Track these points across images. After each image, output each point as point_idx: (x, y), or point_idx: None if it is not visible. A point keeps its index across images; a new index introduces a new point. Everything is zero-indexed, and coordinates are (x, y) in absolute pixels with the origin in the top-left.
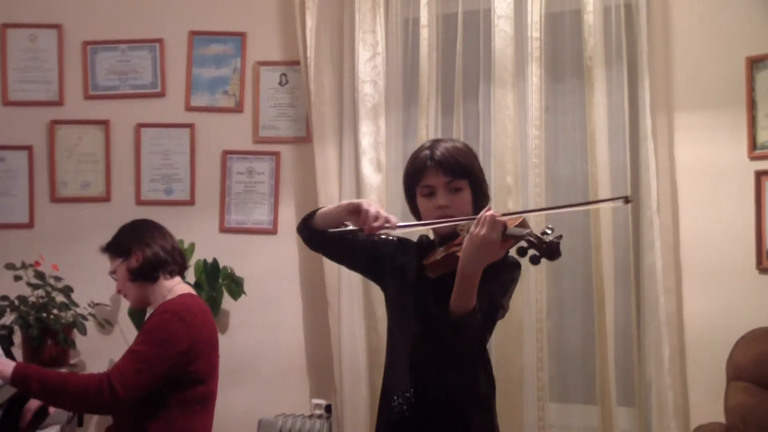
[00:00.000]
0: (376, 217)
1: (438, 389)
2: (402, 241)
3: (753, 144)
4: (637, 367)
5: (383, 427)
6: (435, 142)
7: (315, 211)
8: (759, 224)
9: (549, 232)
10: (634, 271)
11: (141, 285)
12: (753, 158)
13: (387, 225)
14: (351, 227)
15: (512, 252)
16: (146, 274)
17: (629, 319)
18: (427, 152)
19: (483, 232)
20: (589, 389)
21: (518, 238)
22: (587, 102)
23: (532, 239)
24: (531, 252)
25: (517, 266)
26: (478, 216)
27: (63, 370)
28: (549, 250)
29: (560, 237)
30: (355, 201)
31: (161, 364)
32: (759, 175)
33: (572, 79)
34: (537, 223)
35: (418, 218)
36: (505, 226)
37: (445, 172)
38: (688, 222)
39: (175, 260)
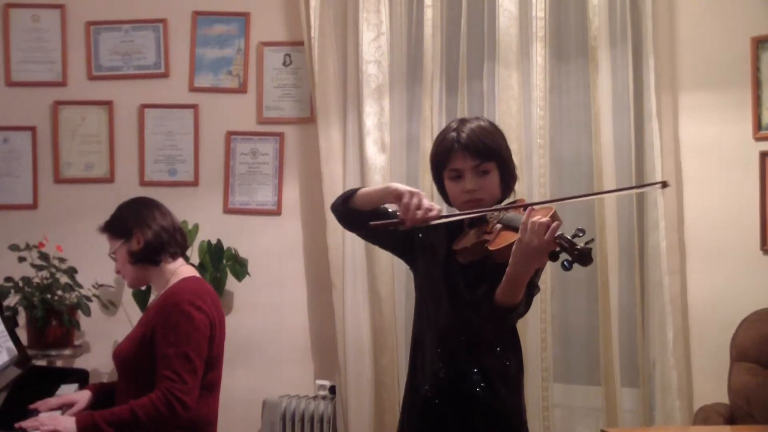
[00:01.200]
0: (418, 208)
1: (468, 369)
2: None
3: (758, 124)
4: (641, 347)
5: (411, 403)
6: (461, 123)
7: (355, 191)
8: (763, 205)
9: (580, 235)
10: (639, 251)
11: (143, 267)
12: (758, 139)
13: (429, 216)
14: (392, 220)
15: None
16: (148, 257)
17: (633, 299)
18: (454, 134)
19: (535, 242)
20: (592, 370)
21: (563, 246)
22: (592, 82)
23: (565, 244)
24: (563, 256)
25: None
26: (528, 220)
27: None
28: (581, 257)
29: (592, 241)
30: (400, 188)
31: (201, 357)
32: (764, 155)
33: (577, 59)
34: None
35: (447, 200)
36: (554, 233)
37: (473, 156)
38: (692, 202)
39: (177, 240)
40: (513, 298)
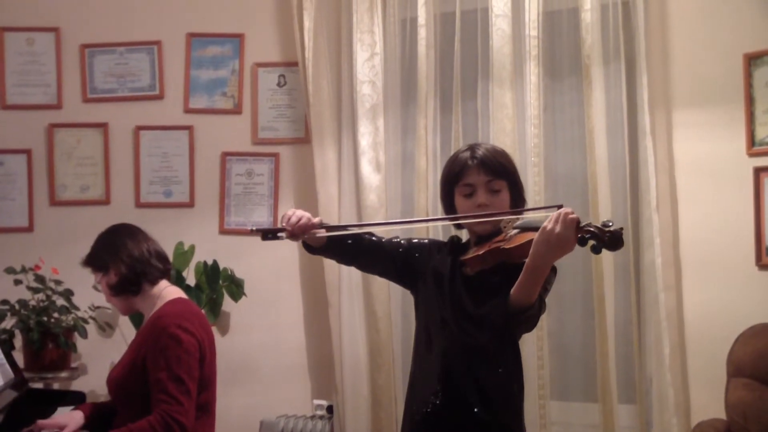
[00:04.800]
0: (298, 218)
1: (468, 389)
2: (435, 243)
3: (751, 140)
4: (638, 364)
5: (410, 421)
6: (474, 145)
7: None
8: (758, 220)
9: (610, 224)
10: (634, 268)
11: (125, 298)
12: (751, 155)
13: (310, 224)
14: (275, 227)
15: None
16: (127, 288)
17: (629, 316)
18: (468, 153)
19: (558, 230)
20: (589, 386)
21: (589, 232)
22: (585, 100)
23: (595, 231)
24: (591, 242)
25: (554, 271)
26: (554, 214)
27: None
28: (613, 240)
29: (621, 229)
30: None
31: (193, 379)
32: (758, 171)
33: (570, 77)
34: None
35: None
36: (578, 222)
37: (486, 171)
38: (687, 219)
39: (154, 266)
40: (529, 296)
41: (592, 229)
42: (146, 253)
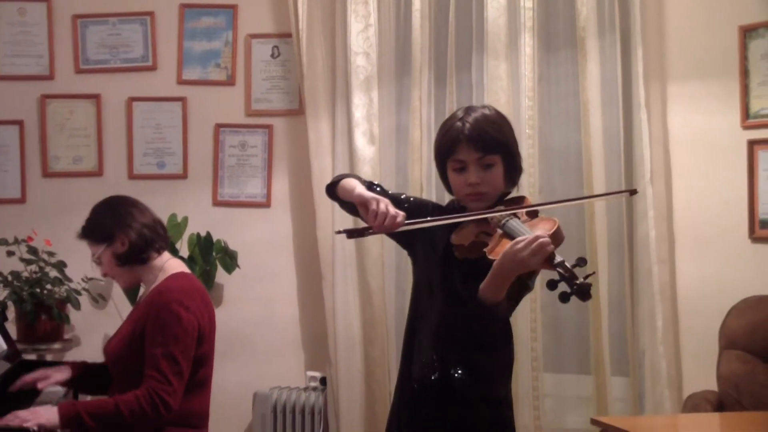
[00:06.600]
0: (385, 217)
1: (456, 362)
2: (436, 208)
3: (746, 113)
4: (631, 336)
5: (401, 390)
6: (467, 112)
7: (339, 180)
8: (752, 193)
9: (582, 265)
10: (628, 241)
11: (131, 268)
12: (746, 127)
13: (396, 222)
14: (361, 228)
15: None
16: (135, 257)
17: (623, 289)
18: (459, 124)
19: (525, 255)
20: (582, 359)
21: (563, 275)
22: (580, 72)
23: (565, 274)
24: (562, 286)
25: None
26: (532, 235)
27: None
28: (580, 291)
29: (593, 274)
30: (366, 195)
31: (188, 358)
32: (752, 144)
33: (565, 49)
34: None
35: (450, 190)
36: (550, 257)
37: (477, 148)
38: (681, 192)
39: (160, 235)
40: (495, 295)
41: (561, 271)
42: (151, 222)
